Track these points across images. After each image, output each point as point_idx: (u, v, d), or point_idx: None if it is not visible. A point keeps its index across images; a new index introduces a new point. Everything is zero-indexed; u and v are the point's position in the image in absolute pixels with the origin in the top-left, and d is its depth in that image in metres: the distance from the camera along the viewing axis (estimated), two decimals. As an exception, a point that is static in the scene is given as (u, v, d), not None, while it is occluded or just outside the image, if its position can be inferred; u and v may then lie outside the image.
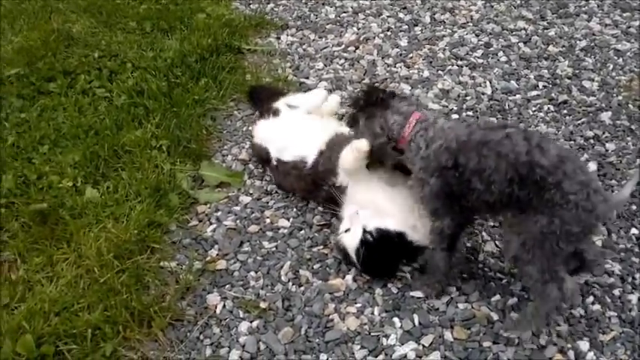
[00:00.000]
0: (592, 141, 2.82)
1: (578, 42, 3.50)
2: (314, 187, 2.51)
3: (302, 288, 2.29)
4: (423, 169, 2.09)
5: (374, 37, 3.66)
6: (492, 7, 3.89)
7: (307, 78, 3.36)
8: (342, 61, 3.49)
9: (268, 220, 2.56)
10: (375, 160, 2.28)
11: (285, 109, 2.75)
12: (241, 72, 3.43)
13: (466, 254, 2.33)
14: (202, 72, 3.37)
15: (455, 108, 3.05)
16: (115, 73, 3.40)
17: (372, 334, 2.12)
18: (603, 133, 2.86)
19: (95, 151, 2.84)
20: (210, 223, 2.58)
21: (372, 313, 2.18)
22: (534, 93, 3.14)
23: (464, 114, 3.01)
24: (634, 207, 2.49)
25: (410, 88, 3.21)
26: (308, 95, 2.87)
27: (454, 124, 2.12)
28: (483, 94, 3.15)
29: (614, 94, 3.10)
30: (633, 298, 2.18)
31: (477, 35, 3.62)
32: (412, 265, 2.32)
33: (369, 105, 2.24)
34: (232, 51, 3.59)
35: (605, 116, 2.95)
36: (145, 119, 3.04)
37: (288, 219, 2.56)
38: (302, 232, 2.50)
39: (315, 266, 2.36)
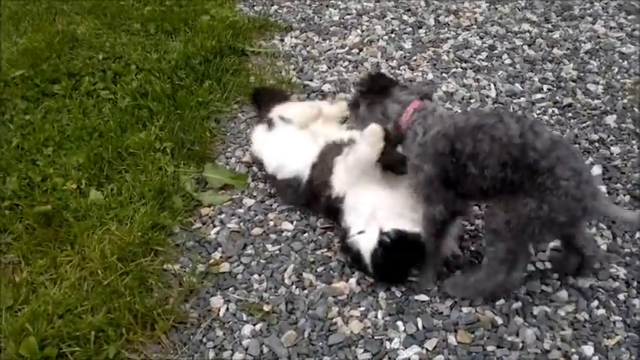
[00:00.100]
0: (597, 144, 2.81)
1: (582, 45, 3.49)
2: (312, 200, 2.51)
3: (305, 291, 2.28)
4: (420, 155, 2.11)
5: (378, 40, 3.65)
6: (497, 9, 3.88)
7: (311, 80, 3.36)
8: (346, 63, 3.49)
9: (272, 223, 2.56)
10: (393, 146, 2.26)
11: (279, 122, 2.69)
12: (245, 74, 3.43)
13: (470, 258, 2.32)
14: (206, 74, 3.37)
15: (459, 111, 3.04)
16: (119, 75, 3.40)
17: (375, 337, 2.11)
18: (608, 136, 2.85)
19: (99, 153, 2.84)
20: (214, 226, 2.57)
21: (376, 317, 2.17)
22: (539, 96, 3.13)
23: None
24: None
25: (414, 90, 3.21)
26: (302, 108, 2.76)
27: (452, 113, 2.13)
28: (487, 96, 3.15)
29: (619, 97, 3.08)
30: (638, 302, 2.16)
31: (482, 38, 3.62)
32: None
33: (371, 91, 2.26)
34: (236, 53, 3.59)
35: (610, 119, 2.94)
36: (149, 121, 3.04)
37: (291, 222, 2.55)
38: (305, 234, 2.50)
39: (319, 269, 2.36)
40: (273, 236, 2.50)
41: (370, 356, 2.05)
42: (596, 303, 2.16)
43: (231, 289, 2.31)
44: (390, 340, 2.09)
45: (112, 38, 3.72)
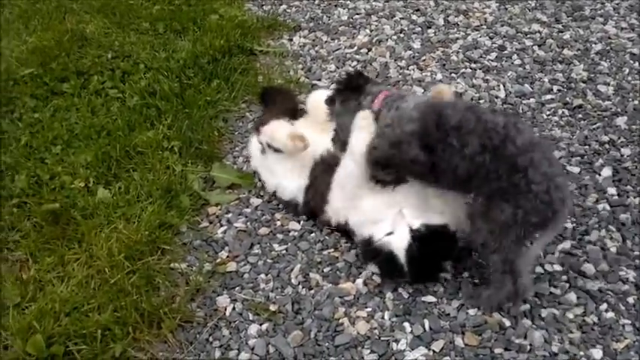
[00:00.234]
0: (607, 146, 2.78)
1: (593, 45, 3.47)
2: (314, 216, 2.53)
3: (312, 291, 2.28)
4: (399, 116, 2.18)
5: (386, 40, 3.64)
6: (507, 9, 3.86)
7: (319, 80, 3.35)
8: (355, 63, 3.48)
9: (279, 223, 2.56)
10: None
11: (269, 152, 2.60)
12: (253, 73, 3.43)
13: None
14: (215, 73, 3.38)
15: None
16: (127, 74, 3.41)
17: (382, 338, 2.10)
18: (619, 138, 2.82)
19: (107, 152, 2.85)
20: (221, 225, 2.57)
21: (383, 318, 2.16)
22: (548, 97, 3.11)
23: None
24: (649, 213, 2.46)
25: (422, 90, 3.19)
26: (288, 141, 2.51)
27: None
28: (497, 97, 3.13)
29: (630, 99, 3.06)
30: (647, 305, 2.15)
31: (491, 38, 3.60)
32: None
33: (347, 89, 2.36)
34: (245, 52, 3.59)
35: (621, 121, 2.91)
36: (157, 120, 3.05)
37: (298, 221, 2.55)
38: (312, 234, 2.49)
39: (326, 269, 2.35)
40: (280, 236, 2.50)
41: (377, 357, 2.05)
42: (605, 306, 2.14)
43: (237, 288, 2.31)
44: (397, 341, 2.08)
45: (120, 37, 3.73)
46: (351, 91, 2.35)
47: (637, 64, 3.30)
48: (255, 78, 3.40)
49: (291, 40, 3.76)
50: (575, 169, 2.67)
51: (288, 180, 2.55)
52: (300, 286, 2.30)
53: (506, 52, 3.47)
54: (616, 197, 2.53)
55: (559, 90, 3.15)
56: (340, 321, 2.16)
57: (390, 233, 2.22)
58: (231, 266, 2.39)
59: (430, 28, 3.74)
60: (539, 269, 2.27)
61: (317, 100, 2.61)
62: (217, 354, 2.11)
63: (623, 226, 2.41)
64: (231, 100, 3.23)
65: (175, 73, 3.35)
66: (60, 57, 3.54)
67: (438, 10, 3.90)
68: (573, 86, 3.17)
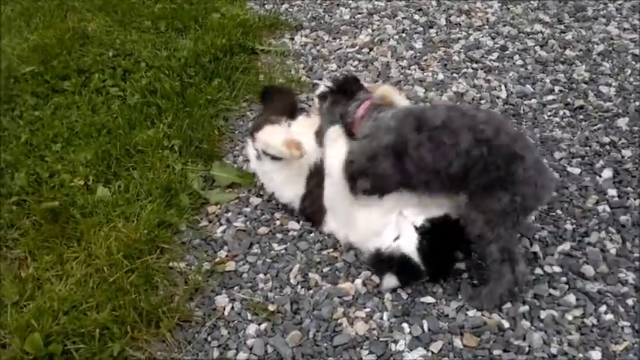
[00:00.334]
0: (608, 147, 2.78)
1: (595, 46, 3.46)
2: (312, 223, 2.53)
3: (311, 291, 2.27)
4: (376, 127, 2.21)
5: (388, 39, 3.64)
6: (509, 9, 3.85)
7: (320, 79, 3.34)
8: (356, 62, 3.47)
9: (278, 222, 2.55)
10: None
11: (265, 159, 2.54)
12: (254, 72, 3.43)
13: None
14: (216, 72, 3.37)
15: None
16: (128, 72, 3.41)
17: (380, 339, 2.09)
18: (620, 139, 2.82)
19: (107, 150, 2.85)
20: (220, 224, 2.57)
21: (381, 318, 2.16)
22: (550, 97, 3.10)
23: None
24: (650, 215, 2.46)
25: (424, 90, 3.19)
26: (284, 149, 2.44)
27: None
28: (498, 97, 3.12)
29: (632, 100, 3.05)
30: (647, 308, 2.14)
31: (493, 38, 3.59)
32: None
33: (339, 92, 2.39)
34: (246, 51, 3.59)
35: (622, 122, 2.90)
36: (158, 119, 3.05)
37: (298, 221, 2.54)
38: (312, 234, 2.49)
39: (325, 269, 2.34)
40: (279, 235, 2.50)
41: (375, 358, 2.04)
42: (604, 308, 2.14)
43: (236, 288, 2.31)
44: (396, 342, 2.08)
45: (122, 35, 3.72)
46: (342, 94, 2.38)
47: (639, 65, 3.29)
48: (257, 77, 3.39)
49: (292, 39, 3.76)
50: (576, 171, 2.66)
51: (285, 186, 2.54)
52: (299, 286, 2.29)
53: (508, 52, 3.46)
54: (616, 199, 2.52)
55: (560, 91, 3.14)
56: (339, 321, 2.16)
57: (397, 238, 2.21)
58: (230, 266, 2.39)
59: (432, 27, 3.73)
60: (538, 271, 2.27)
61: None
62: (215, 354, 2.10)
63: (623, 227, 2.41)
64: (232, 99, 3.23)
65: (176, 72, 3.34)
66: (61, 55, 3.54)
67: (440, 9, 3.89)
68: (575, 87, 3.16)
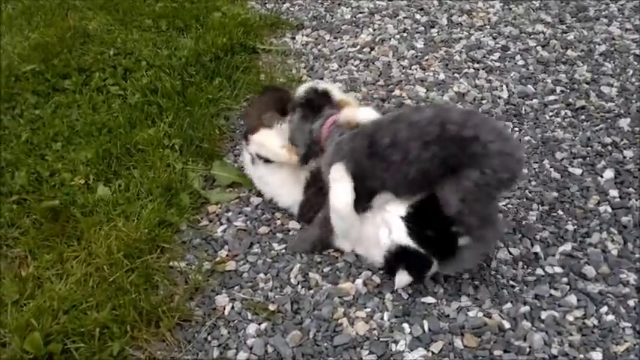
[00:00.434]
0: (610, 148, 2.77)
1: (597, 46, 3.45)
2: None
3: (311, 291, 2.27)
4: (334, 153, 2.25)
5: (390, 39, 3.63)
6: (510, 9, 3.85)
7: (322, 79, 3.34)
8: (357, 62, 3.47)
9: (279, 222, 2.55)
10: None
11: (258, 163, 2.57)
12: (255, 72, 3.42)
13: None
14: (217, 71, 3.37)
15: (470, 111, 3.02)
16: (129, 71, 3.40)
17: (381, 339, 2.09)
18: (621, 139, 2.81)
19: (108, 149, 2.84)
20: (221, 224, 2.57)
21: (382, 318, 2.15)
22: (551, 98, 3.09)
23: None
24: (651, 216, 2.45)
25: (425, 90, 3.18)
26: (281, 152, 2.48)
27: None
28: (499, 97, 3.12)
29: (634, 100, 3.04)
30: (648, 309, 2.14)
31: (495, 38, 3.58)
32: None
33: (309, 105, 2.41)
34: (247, 50, 3.58)
35: (624, 123, 2.90)
36: (158, 118, 3.04)
37: (298, 221, 2.54)
38: (313, 234, 2.48)
39: (325, 269, 2.34)
40: (279, 235, 2.49)
41: (375, 358, 2.04)
42: (605, 308, 2.14)
43: (236, 287, 2.30)
44: (396, 342, 2.08)
45: (123, 34, 3.72)
46: (309, 109, 2.40)
47: (641, 65, 3.29)
48: (258, 76, 3.38)
49: (293, 38, 3.75)
50: (577, 171, 2.66)
51: (281, 190, 2.54)
52: (300, 286, 2.29)
53: (509, 52, 3.45)
54: (618, 199, 2.52)
55: (562, 91, 3.14)
56: (339, 321, 2.15)
57: (391, 234, 2.21)
58: (231, 265, 2.39)
59: (433, 27, 3.72)
60: (539, 271, 2.27)
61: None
62: (215, 353, 2.10)
63: (624, 228, 2.40)
64: (233, 98, 3.22)
65: (177, 71, 3.33)
66: (62, 53, 3.53)
67: (442, 9, 3.89)
68: (576, 87, 3.15)
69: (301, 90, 2.54)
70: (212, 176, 2.76)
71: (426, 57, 3.46)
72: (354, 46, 3.60)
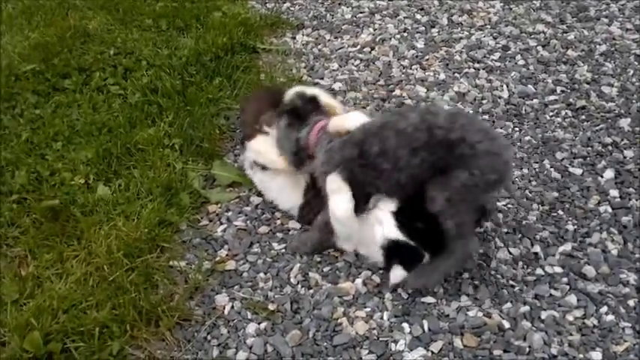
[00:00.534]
0: (610, 148, 2.77)
1: (597, 46, 3.45)
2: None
3: (311, 291, 2.27)
4: (326, 162, 2.25)
5: (390, 39, 3.63)
6: (511, 9, 3.84)
7: (322, 78, 3.34)
8: (358, 62, 3.47)
9: (279, 222, 2.55)
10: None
11: (256, 169, 2.61)
12: (256, 72, 3.41)
13: (478, 260, 2.30)
14: (217, 71, 3.36)
15: (471, 111, 3.02)
16: (129, 71, 3.40)
17: (380, 339, 2.09)
18: (622, 139, 2.81)
19: (108, 149, 2.84)
20: (221, 223, 2.57)
21: (382, 318, 2.15)
22: (552, 98, 3.09)
23: (479, 118, 2.97)
24: (651, 216, 2.45)
25: (425, 90, 3.18)
26: (274, 157, 2.51)
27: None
28: (500, 97, 3.11)
29: (634, 100, 3.04)
30: (648, 309, 2.13)
31: (495, 38, 3.58)
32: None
33: (295, 112, 2.40)
34: (247, 50, 3.57)
35: (624, 123, 2.90)
36: (159, 117, 3.04)
37: (298, 221, 2.53)
38: (312, 234, 2.48)
39: (325, 269, 2.34)
40: (279, 235, 2.49)
41: (375, 358, 2.04)
42: (605, 308, 2.14)
43: (236, 287, 2.30)
44: (396, 341, 2.08)
45: (123, 34, 3.72)
46: (295, 116, 2.39)
47: (641, 65, 3.28)
48: (258, 76, 3.38)
49: (294, 38, 3.75)
50: (578, 171, 2.66)
51: (281, 194, 2.55)
52: (299, 286, 2.29)
53: (510, 52, 3.45)
54: (618, 199, 2.51)
55: (562, 91, 3.14)
56: (339, 321, 2.15)
57: (384, 230, 2.21)
58: (231, 265, 2.38)
59: (434, 27, 3.72)
60: (539, 271, 2.27)
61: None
62: (215, 353, 2.10)
63: (624, 228, 2.40)
64: (233, 98, 3.21)
65: (177, 71, 3.33)
66: (62, 53, 3.53)
67: (442, 9, 3.89)
68: (577, 87, 3.15)
69: (288, 96, 2.54)
70: (212, 176, 2.76)
71: (427, 57, 3.46)
72: (355, 46, 3.60)
